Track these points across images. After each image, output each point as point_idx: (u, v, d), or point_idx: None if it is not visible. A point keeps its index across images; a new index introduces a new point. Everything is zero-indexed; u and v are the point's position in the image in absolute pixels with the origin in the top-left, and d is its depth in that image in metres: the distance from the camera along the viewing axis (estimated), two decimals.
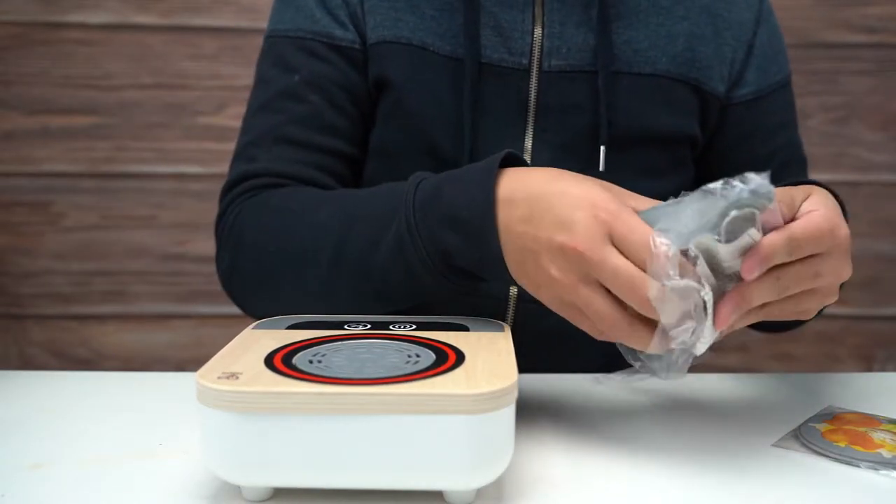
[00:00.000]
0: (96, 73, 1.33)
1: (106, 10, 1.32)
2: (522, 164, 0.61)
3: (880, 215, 1.39)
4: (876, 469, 0.55)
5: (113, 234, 1.37)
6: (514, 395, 0.47)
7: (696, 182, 0.86)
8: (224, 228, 0.76)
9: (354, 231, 0.64)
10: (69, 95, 1.33)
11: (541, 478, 0.53)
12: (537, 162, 0.76)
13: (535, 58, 0.75)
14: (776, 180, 0.79)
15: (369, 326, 0.59)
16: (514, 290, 0.77)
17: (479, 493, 0.50)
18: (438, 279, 0.61)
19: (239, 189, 0.77)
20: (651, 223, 0.52)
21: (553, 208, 0.54)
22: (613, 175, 0.76)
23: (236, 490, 0.50)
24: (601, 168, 0.75)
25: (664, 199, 0.79)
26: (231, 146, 0.83)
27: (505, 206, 0.56)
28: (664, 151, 0.79)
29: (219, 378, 0.46)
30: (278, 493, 0.49)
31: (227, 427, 0.46)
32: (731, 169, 0.80)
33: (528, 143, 0.76)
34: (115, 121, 1.34)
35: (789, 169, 0.83)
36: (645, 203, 0.55)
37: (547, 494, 0.51)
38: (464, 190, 0.58)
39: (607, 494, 0.51)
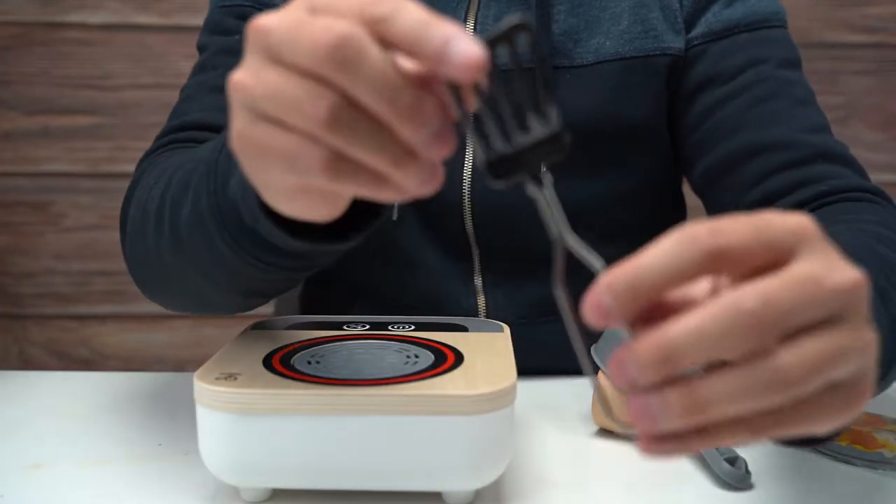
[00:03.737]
0: (96, 74, 1.33)
1: (106, 10, 1.32)
2: None
3: None
4: (874, 468, 0.55)
5: (113, 234, 1.36)
6: (514, 396, 0.47)
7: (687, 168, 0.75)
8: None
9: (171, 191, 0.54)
10: (69, 95, 1.33)
11: (540, 478, 0.53)
12: (477, 170, 0.70)
13: None
14: (748, 121, 0.69)
15: (368, 327, 0.59)
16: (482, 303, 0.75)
17: (478, 493, 0.50)
18: (223, 234, 0.49)
19: (157, 144, 0.69)
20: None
21: None
22: (560, 178, 0.72)
23: (235, 491, 0.50)
24: (542, 170, 0.71)
25: (616, 197, 0.72)
26: None
27: None
28: (618, 145, 0.72)
29: (217, 379, 0.46)
30: (277, 493, 0.49)
31: (225, 428, 0.46)
32: (693, 123, 0.71)
33: (466, 150, 0.71)
34: (115, 121, 1.34)
35: (766, 106, 0.70)
36: None
37: (546, 495, 0.51)
38: None
39: (607, 495, 0.51)
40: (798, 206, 0.65)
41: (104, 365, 1.39)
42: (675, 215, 0.82)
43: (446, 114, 0.33)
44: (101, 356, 1.39)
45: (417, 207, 0.72)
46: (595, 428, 0.61)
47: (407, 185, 0.33)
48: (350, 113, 0.32)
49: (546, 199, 0.34)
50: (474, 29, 0.70)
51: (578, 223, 0.69)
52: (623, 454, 0.57)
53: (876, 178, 0.76)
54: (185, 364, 1.38)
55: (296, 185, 0.35)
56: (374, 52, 0.31)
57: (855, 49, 1.36)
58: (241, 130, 0.34)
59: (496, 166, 0.34)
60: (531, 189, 0.34)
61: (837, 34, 1.35)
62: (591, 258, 0.33)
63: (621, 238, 0.73)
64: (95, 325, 1.39)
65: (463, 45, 0.30)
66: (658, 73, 0.71)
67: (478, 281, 0.74)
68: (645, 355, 0.29)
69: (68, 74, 1.33)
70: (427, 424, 0.45)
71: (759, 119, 0.69)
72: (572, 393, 0.68)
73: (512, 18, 0.32)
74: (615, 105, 0.71)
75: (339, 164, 0.33)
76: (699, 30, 0.72)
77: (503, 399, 0.46)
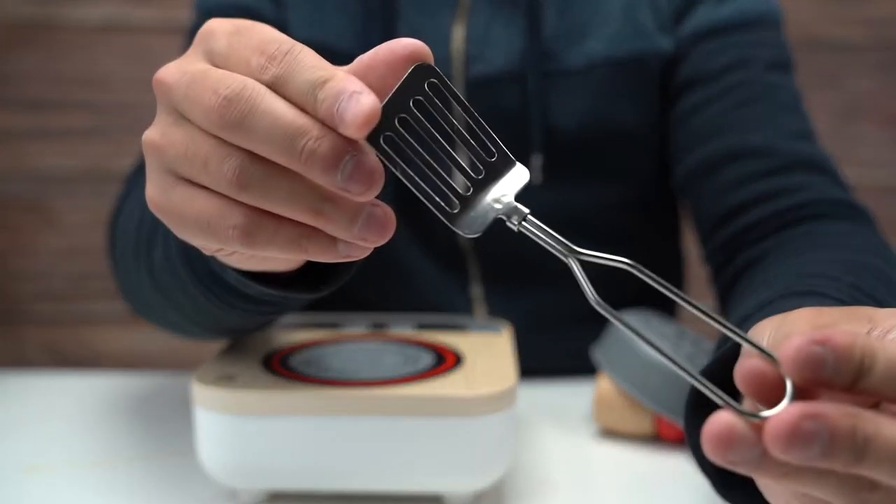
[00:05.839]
0: (95, 73, 1.33)
1: (105, 10, 1.32)
2: None
3: (881, 215, 1.38)
4: None
5: None
6: (514, 397, 0.47)
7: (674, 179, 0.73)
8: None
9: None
10: (67, 95, 1.33)
11: (541, 480, 0.53)
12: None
13: (458, 66, 0.69)
14: (728, 125, 0.67)
15: (368, 327, 0.59)
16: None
17: (479, 495, 0.49)
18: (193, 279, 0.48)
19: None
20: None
21: None
22: (557, 187, 0.69)
23: (233, 493, 0.49)
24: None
25: (613, 201, 0.71)
26: None
27: None
28: (613, 149, 0.71)
29: (215, 380, 0.46)
30: (275, 496, 0.49)
31: (223, 430, 0.45)
32: (675, 124, 0.69)
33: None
34: (114, 121, 1.34)
35: (748, 110, 0.67)
36: None
37: (547, 496, 0.51)
38: None
39: (608, 496, 0.51)
40: (775, 215, 0.63)
41: (103, 365, 1.38)
42: (672, 218, 0.81)
43: (363, 151, 0.30)
44: (101, 356, 1.39)
45: (409, 219, 0.71)
46: (596, 429, 0.61)
47: (344, 235, 0.32)
48: (259, 168, 0.31)
49: (534, 229, 0.33)
50: (465, 34, 0.69)
51: (575, 228, 0.68)
52: (624, 455, 0.57)
53: (879, 176, 0.75)
54: (184, 365, 1.37)
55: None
56: (264, 103, 0.30)
57: (859, 48, 1.35)
58: (154, 194, 0.34)
59: (462, 216, 0.33)
60: (514, 226, 0.33)
61: (842, 33, 1.35)
62: (610, 259, 0.32)
63: (619, 241, 0.74)
64: (94, 326, 1.38)
65: (352, 104, 0.29)
66: (650, 75, 0.70)
67: (475, 290, 0.73)
68: (837, 428, 0.26)
69: (67, 74, 1.33)
70: (427, 426, 0.44)
71: (739, 123, 0.67)
72: (573, 394, 0.68)
73: (415, 67, 0.31)
74: (609, 109, 0.69)
75: (257, 229, 0.32)
76: (686, 30, 0.70)
77: (504, 400, 0.46)
